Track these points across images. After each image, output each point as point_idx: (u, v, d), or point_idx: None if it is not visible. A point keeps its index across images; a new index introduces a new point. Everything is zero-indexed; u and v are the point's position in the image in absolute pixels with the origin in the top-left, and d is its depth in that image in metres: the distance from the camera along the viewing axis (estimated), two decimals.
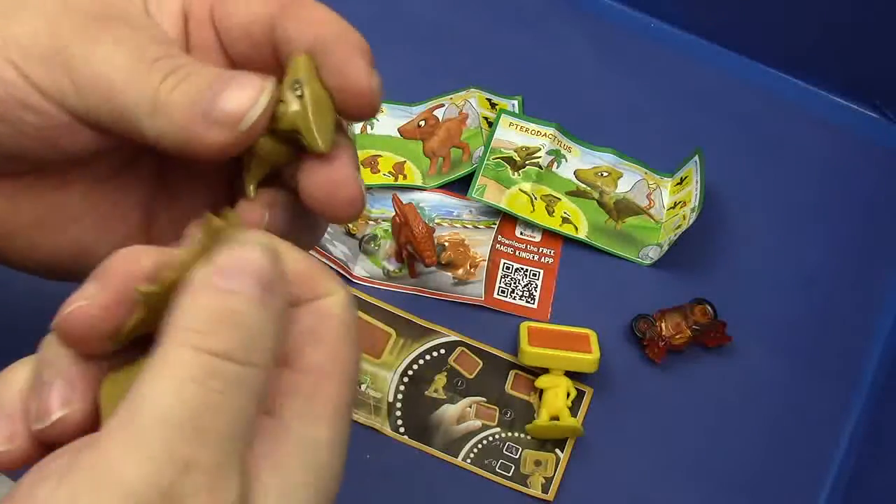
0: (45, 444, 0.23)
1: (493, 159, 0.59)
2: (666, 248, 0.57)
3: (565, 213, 0.59)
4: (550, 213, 0.59)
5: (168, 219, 0.31)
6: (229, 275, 0.22)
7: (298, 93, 0.27)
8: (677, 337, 0.55)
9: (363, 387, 0.53)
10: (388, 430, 0.52)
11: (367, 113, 0.28)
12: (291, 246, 0.26)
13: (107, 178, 0.30)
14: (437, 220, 0.58)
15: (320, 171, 0.27)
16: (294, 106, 0.27)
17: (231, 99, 0.26)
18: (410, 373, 0.54)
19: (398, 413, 0.52)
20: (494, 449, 0.52)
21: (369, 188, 0.59)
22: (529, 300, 0.57)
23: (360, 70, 0.27)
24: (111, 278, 0.23)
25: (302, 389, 0.24)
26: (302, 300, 0.25)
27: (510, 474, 0.52)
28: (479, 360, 0.55)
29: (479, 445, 0.52)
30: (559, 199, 0.60)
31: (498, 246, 0.58)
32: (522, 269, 0.58)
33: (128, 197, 0.31)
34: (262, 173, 0.28)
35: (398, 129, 0.61)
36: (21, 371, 0.25)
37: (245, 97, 0.26)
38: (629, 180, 0.61)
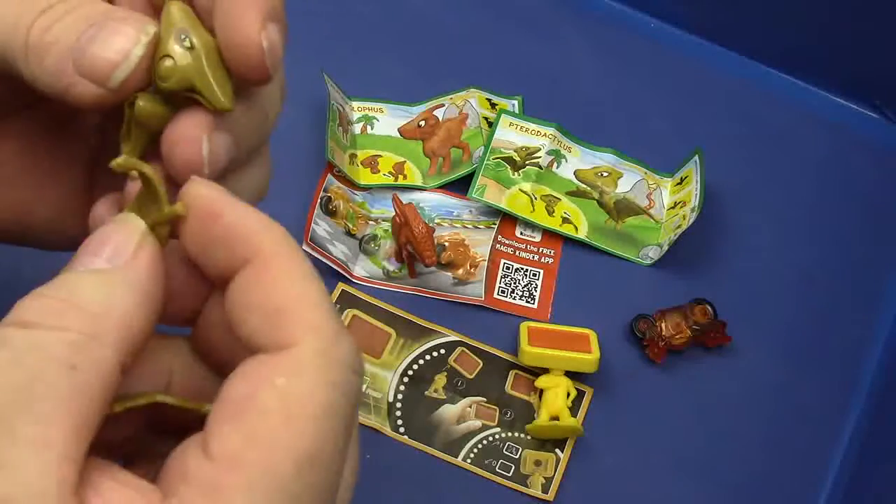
0: None
1: (493, 159, 0.59)
2: (666, 248, 0.57)
3: (565, 213, 0.59)
4: (550, 213, 0.59)
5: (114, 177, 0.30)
6: (90, 251, 0.22)
7: (187, 43, 0.23)
8: (677, 337, 0.55)
9: (363, 387, 0.53)
10: (388, 430, 0.52)
11: (256, 75, 0.24)
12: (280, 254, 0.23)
13: (43, 134, 0.28)
14: (437, 220, 0.58)
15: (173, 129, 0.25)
16: (185, 59, 0.23)
17: (102, 47, 0.23)
18: (410, 373, 0.54)
19: (398, 413, 0.52)
20: (494, 449, 0.52)
21: (369, 188, 0.59)
22: (529, 300, 0.57)
23: (249, 20, 0.23)
24: None
25: (200, 482, 0.20)
26: (258, 344, 0.22)
27: (510, 474, 0.52)
28: (479, 360, 0.55)
29: (479, 445, 0.52)
30: (559, 199, 0.60)
31: (498, 246, 0.58)
32: (522, 269, 0.58)
33: (68, 155, 0.29)
34: (144, 140, 0.25)
35: (398, 129, 0.61)
36: None
37: (118, 45, 0.23)
38: (629, 180, 0.61)
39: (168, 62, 0.23)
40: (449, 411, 0.53)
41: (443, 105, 0.62)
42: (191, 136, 0.24)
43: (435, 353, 0.54)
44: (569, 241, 0.59)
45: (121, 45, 0.23)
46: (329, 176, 0.57)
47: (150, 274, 0.22)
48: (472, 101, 0.62)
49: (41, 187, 0.29)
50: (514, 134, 0.61)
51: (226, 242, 0.23)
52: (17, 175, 0.28)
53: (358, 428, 0.24)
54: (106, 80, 0.23)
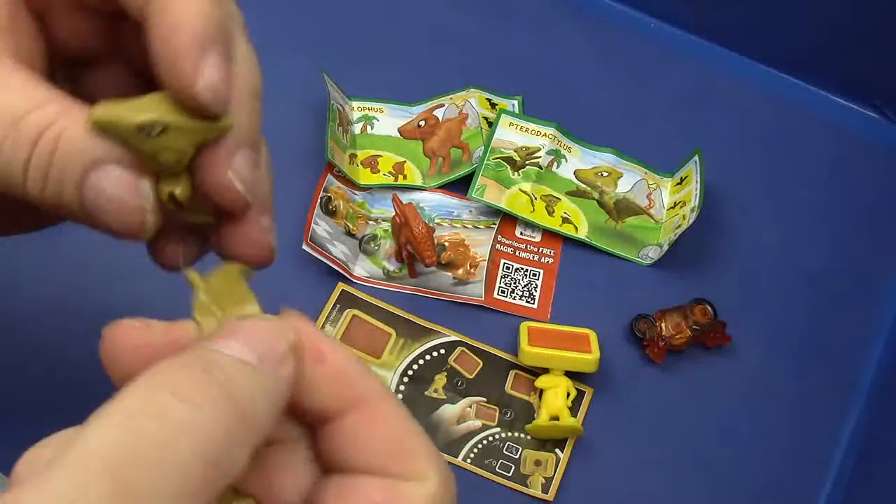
0: None
1: (493, 159, 0.59)
2: (666, 248, 0.57)
3: (565, 213, 0.59)
4: (550, 213, 0.59)
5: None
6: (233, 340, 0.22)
7: (155, 131, 0.23)
8: (677, 337, 0.55)
9: None
10: None
11: (206, 115, 0.24)
12: (387, 402, 0.24)
13: None
14: (437, 220, 0.58)
15: (235, 232, 0.27)
16: (176, 142, 0.24)
17: (114, 211, 0.24)
18: (410, 373, 0.54)
19: None
20: (494, 449, 0.52)
21: (369, 188, 0.59)
22: (529, 300, 0.57)
23: (186, 64, 0.22)
24: None
25: None
26: (378, 470, 0.23)
27: (510, 474, 0.52)
28: (479, 360, 0.55)
29: (479, 445, 0.52)
30: (559, 199, 0.60)
31: (498, 246, 0.58)
32: (522, 269, 0.58)
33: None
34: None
35: (398, 129, 0.61)
36: None
37: (126, 208, 0.24)
38: (629, 180, 0.61)
39: (167, 156, 0.24)
40: (449, 411, 0.53)
41: (443, 105, 0.62)
42: (222, 182, 0.25)
43: (435, 353, 0.54)
44: (569, 241, 0.59)
45: (132, 215, 0.24)
46: (329, 176, 0.57)
47: (289, 387, 0.23)
48: (472, 101, 0.62)
49: None
50: (514, 134, 0.61)
51: (334, 384, 0.24)
52: None
53: None
54: (136, 237, 0.25)
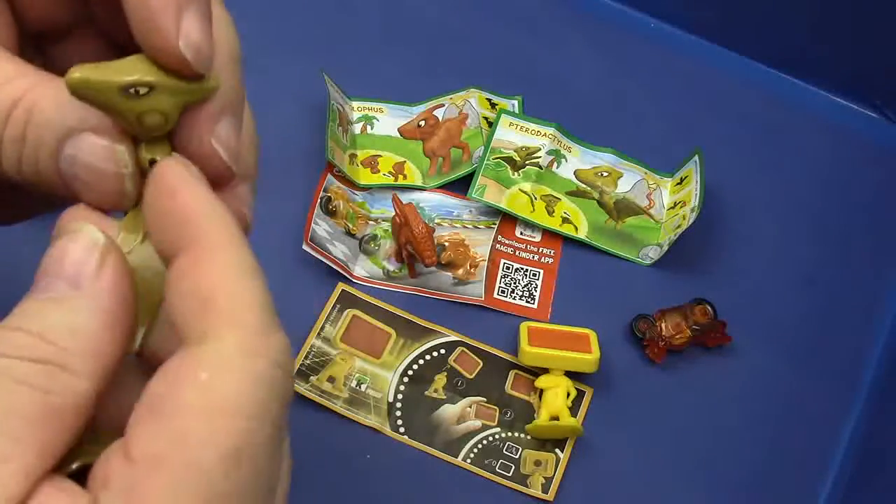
0: None
1: (493, 159, 0.59)
2: (666, 248, 0.57)
3: (565, 213, 0.59)
4: (550, 213, 0.59)
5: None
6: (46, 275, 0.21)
7: (143, 91, 0.22)
8: (677, 337, 0.55)
9: (363, 387, 0.53)
10: (388, 430, 0.52)
11: (189, 75, 0.23)
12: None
13: None
14: (437, 220, 0.58)
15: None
16: (162, 102, 0.23)
17: (91, 177, 0.23)
18: (410, 373, 0.54)
19: (398, 413, 0.52)
20: (494, 449, 0.52)
21: (369, 188, 0.59)
22: (529, 300, 0.57)
23: (165, 21, 0.21)
24: None
25: (121, 485, 0.20)
26: (184, 336, 0.21)
27: (510, 474, 0.52)
28: (479, 360, 0.55)
29: (479, 445, 0.52)
30: (559, 199, 0.60)
31: (498, 246, 0.58)
32: (522, 269, 0.58)
33: None
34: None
35: (398, 129, 0.61)
36: None
37: (103, 176, 0.23)
38: (629, 180, 0.61)
39: (152, 118, 0.23)
40: (449, 411, 0.53)
41: (443, 105, 0.62)
42: (207, 151, 0.24)
43: (435, 353, 0.54)
44: (569, 241, 0.59)
45: (110, 182, 0.23)
46: (329, 176, 0.57)
47: (114, 295, 0.22)
48: (472, 101, 0.62)
49: None
50: (514, 134, 0.61)
51: (176, 222, 0.22)
52: None
53: (288, 430, 0.23)
54: (115, 205, 0.24)
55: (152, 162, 0.23)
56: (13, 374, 0.20)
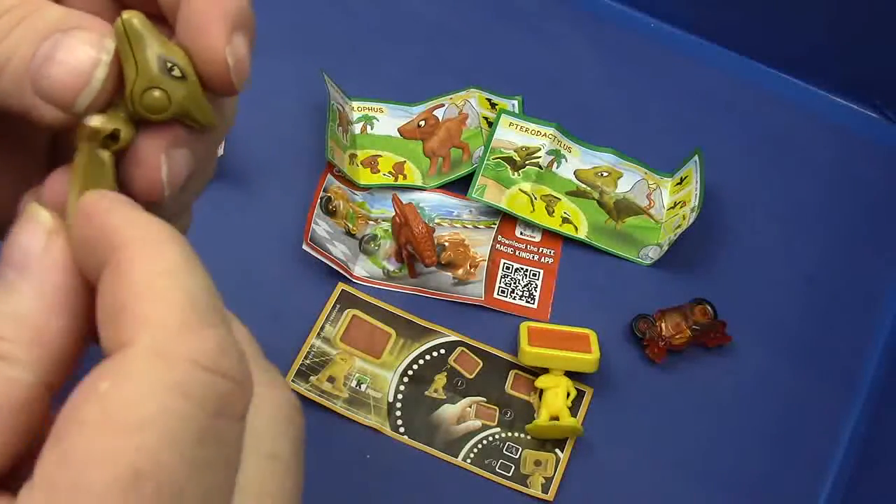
0: None
1: (493, 159, 0.59)
2: (666, 248, 0.57)
3: (565, 213, 0.59)
4: (550, 213, 0.59)
5: None
6: None
7: (176, 73, 0.22)
8: (677, 337, 0.55)
9: (363, 387, 0.53)
10: (388, 430, 0.52)
11: (223, 90, 0.23)
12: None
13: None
14: (437, 220, 0.58)
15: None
16: (179, 91, 0.23)
17: (60, 69, 0.21)
18: (410, 373, 0.54)
19: (398, 413, 0.52)
20: (494, 449, 0.52)
21: (369, 188, 0.59)
22: (529, 300, 0.57)
23: (214, 33, 0.22)
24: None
25: None
26: (104, 345, 0.19)
27: (510, 474, 0.52)
28: (479, 360, 0.55)
29: (479, 445, 0.52)
30: (559, 199, 0.60)
31: (498, 246, 0.58)
32: (522, 269, 0.58)
33: (23, 145, 0.26)
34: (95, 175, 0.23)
35: (398, 129, 0.61)
36: None
37: (77, 66, 0.21)
38: (629, 180, 0.61)
39: (158, 94, 0.22)
40: (449, 411, 0.53)
41: (443, 105, 0.62)
42: (152, 162, 0.22)
43: (435, 353, 0.54)
44: (569, 241, 0.59)
45: (81, 65, 0.21)
46: (329, 176, 0.57)
47: (61, 275, 0.20)
48: (472, 101, 0.62)
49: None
50: (514, 134, 0.61)
51: (95, 243, 0.20)
52: None
53: (242, 446, 0.20)
54: (68, 105, 0.21)
55: (112, 135, 0.23)
56: None
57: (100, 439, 0.17)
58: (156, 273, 0.19)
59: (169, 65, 0.22)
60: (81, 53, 0.21)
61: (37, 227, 0.21)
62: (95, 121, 0.22)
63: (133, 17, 0.22)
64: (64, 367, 0.20)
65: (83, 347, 0.21)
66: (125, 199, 0.22)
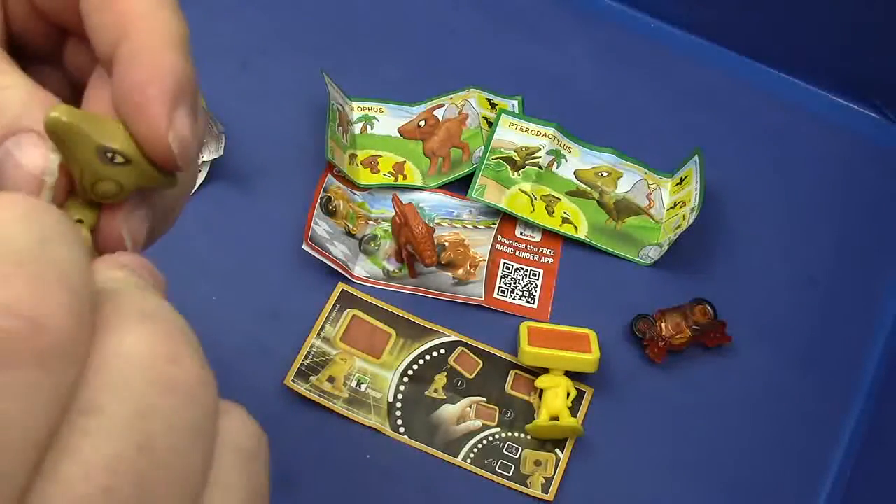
0: None
1: (493, 159, 0.59)
2: (666, 248, 0.57)
3: (565, 213, 0.59)
4: (550, 213, 0.59)
5: None
6: None
7: (119, 160, 0.22)
8: (677, 337, 0.55)
9: (363, 387, 0.53)
10: (388, 430, 0.52)
11: (170, 168, 0.23)
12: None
13: None
14: (437, 220, 0.58)
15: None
16: (127, 177, 0.23)
17: (18, 174, 0.22)
18: (410, 373, 0.54)
19: (398, 413, 0.52)
20: (494, 449, 0.52)
21: (369, 188, 0.59)
22: (529, 300, 0.57)
23: (155, 116, 0.22)
24: None
25: None
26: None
27: (510, 474, 0.52)
28: (479, 360, 0.55)
29: (479, 445, 0.52)
30: (559, 199, 0.60)
31: (498, 246, 0.58)
32: (522, 269, 0.58)
33: None
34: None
35: (398, 129, 0.61)
36: None
37: (33, 170, 0.22)
38: (629, 180, 0.61)
39: (107, 185, 0.22)
40: (449, 411, 0.53)
41: (443, 105, 0.62)
42: (114, 238, 0.23)
43: (435, 353, 0.54)
44: (569, 241, 0.59)
45: (35, 170, 0.22)
46: (329, 176, 0.57)
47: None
48: (472, 101, 0.62)
49: None
50: (514, 134, 0.61)
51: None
52: None
53: None
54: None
55: (77, 222, 0.23)
56: None
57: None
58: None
59: (109, 154, 0.22)
60: (34, 160, 0.22)
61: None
62: None
63: (60, 115, 0.22)
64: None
65: None
66: None
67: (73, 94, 0.26)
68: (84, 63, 0.25)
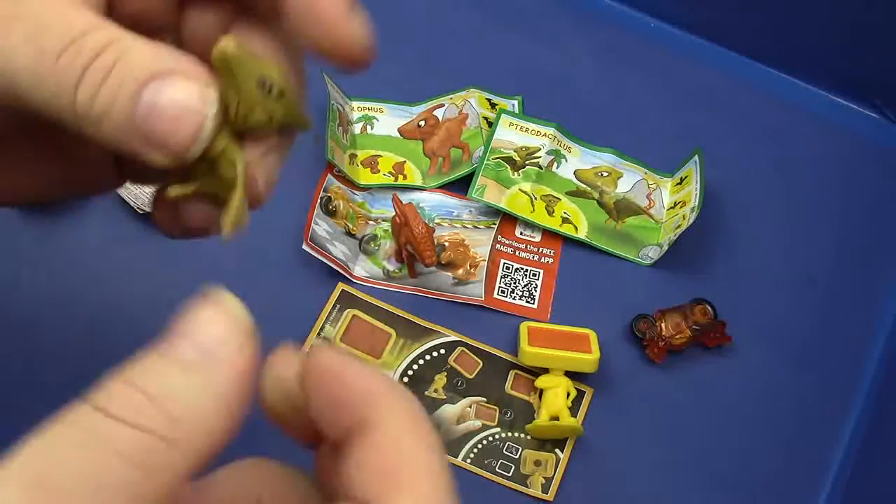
0: None
1: (493, 159, 0.59)
2: (666, 248, 0.57)
3: (565, 213, 0.59)
4: (550, 213, 0.59)
5: None
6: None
7: (275, 91, 0.24)
8: (677, 337, 0.55)
9: None
10: None
11: (359, 67, 0.25)
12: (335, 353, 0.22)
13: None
14: (437, 220, 0.58)
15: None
16: (279, 110, 0.24)
17: (170, 124, 0.22)
18: (410, 373, 0.54)
19: None
20: (494, 449, 0.52)
21: (369, 188, 0.59)
22: (529, 300, 0.57)
23: (337, 16, 0.24)
24: None
25: None
26: (367, 496, 0.21)
27: (510, 474, 0.52)
28: (479, 360, 0.55)
29: (479, 445, 0.52)
30: (559, 199, 0.60)
31: (498, 246, 0.58)
32: (522, 269, 0.58)
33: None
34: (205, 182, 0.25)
35: (398, 129, 0.61)
36: None
37: (187, 124, 0.23)
38: (629, 180, 0.61)
39: (260, 115, 0.24)
40: (449, 411, 0.53)
41: (443, 105, 0.62)
42: (251, 178, 0.25)
43: (435, 353, 0.54)
44: (569, 241, 0.59)
45: (189, 118, 0.22)
46: (329, 176, 0.57)
47: (241, 384, 0.21)
48: (472, 101, 0.62)
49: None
50: (513, 134, 0.61)
51: (348, 403, 0.22)
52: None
53: None
54: (181, 155, 0.23)
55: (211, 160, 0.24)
56: (116, 446, 0.19)
57: None
58: (416, 442, 0.22)
59: (268, 86, 0.24)
60: (187, 104, 0.22)
61: (235, 325, 0.22)
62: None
63: (229, 44, 0.23)
64: (210, 457, 0.21)
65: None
66: (359, 361, 0.23)
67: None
68: (205, 29, 0.26)
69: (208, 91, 0.23)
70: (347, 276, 0.55)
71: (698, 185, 0.58)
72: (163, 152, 0.23)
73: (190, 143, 0.23)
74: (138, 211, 0.54)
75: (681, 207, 0.59)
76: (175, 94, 0.22)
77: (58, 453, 0.19)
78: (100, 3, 0.25)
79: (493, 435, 0.53)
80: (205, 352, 0.21)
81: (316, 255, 0.54)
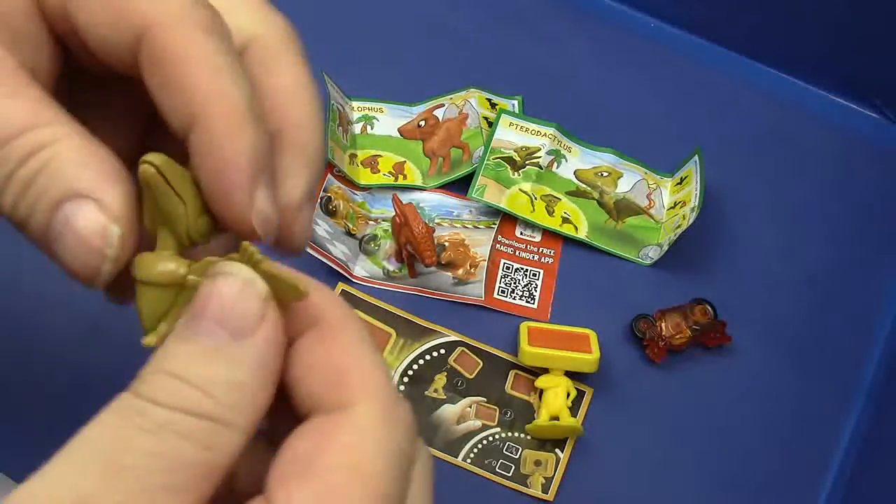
0: None
1: (493, 159, 0.59)
2: (666, 248, 0.57)
3: (565, 213, 0.59)
4: (550, 213, 0.59)
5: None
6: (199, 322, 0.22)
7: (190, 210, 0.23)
8: (677, 337, 0.55)
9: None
10: None
11: (254, 239, 0.24)
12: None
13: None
14: (437, 220, 0.58)
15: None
16: (204, 225, 0.24)
17: (70, 248, 0.23)
18: (410, 373, 0.54)
19: None
20: (494, 449, 0.52)
21: (369, 188, 0.59)
22: (529, 300, 0.57)
23: (240, 197, 0.23)
24: None
25: None
26: (316, 405, 0.23)
27: (510, 474, 0.52)
28: (479, 360, 0.55)
29: (479, 445, 0.52)
30: (559, 199, 0.60)
31: (498, 246, 0.58)
32: (522, 269, 0.58)
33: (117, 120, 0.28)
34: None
35: (398, 129, 0.61)
36: None
37: (90, 245, 0.23)
38: (629, 180, 0.61)
39: (206, 224, 0.24)
40: (449, 411, 0.53)
41: (443, 105, 0.62)
42: (244, 221, 0.24)
43: (435, 353, 0.54)
44: (569, 241, 0.59)
45: (92, 247, 0.23)
46: (329, 176, 0.57)
47: (273, 349, 0.22)
48: (472, 101, 0.62)
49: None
50: (514, 134, 0.61)
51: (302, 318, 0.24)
52: None
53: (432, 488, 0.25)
54: (87, 282, 0.23)
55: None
56: (178, 429, 0.20)
57: (352, 483, 0.21)
58: (363, 346, 0.24)
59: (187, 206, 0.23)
60: (87, 241, 0.23)
61: (252, 294, 0.22)
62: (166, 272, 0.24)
63: (148, 169, 0.23)
64: (257, 427, 0.23)
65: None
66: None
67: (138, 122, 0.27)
68: (161, 91, 0.26)
69: (111, 229, 0.23)
70: (347, 276, 0.55)
71: (698, 185, 0.58)
72: (74, 275, 0.23)
73: (92, 275, 0.23)
74: None
75: (681, 207, 0.59)
76: (79, 224, 0.23)
77: (124, 438, 0.20)
78: (50, 69, 0.25)
79: (493, 435, 0.53)
80: (234, 332, 0.22)
81: (316, 255, 0.54)
